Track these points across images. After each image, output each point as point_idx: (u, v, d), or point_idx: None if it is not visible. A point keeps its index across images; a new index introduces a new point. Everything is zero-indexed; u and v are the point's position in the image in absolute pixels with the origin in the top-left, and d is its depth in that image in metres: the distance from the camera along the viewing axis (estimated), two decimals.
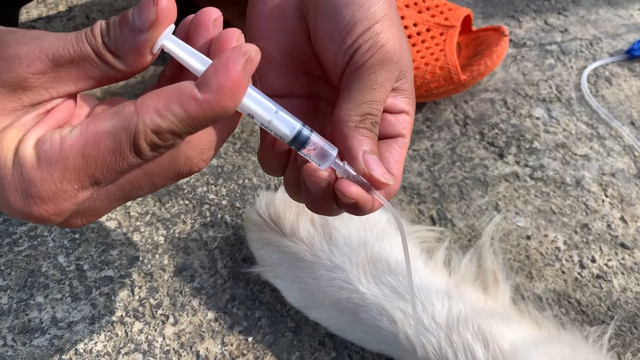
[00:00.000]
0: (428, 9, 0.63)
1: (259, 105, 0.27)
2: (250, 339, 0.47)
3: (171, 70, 0.30)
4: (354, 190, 0.29)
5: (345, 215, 0.47)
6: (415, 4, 0.63)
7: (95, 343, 0.46)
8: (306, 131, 0.28)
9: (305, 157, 0.29)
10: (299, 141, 0.28)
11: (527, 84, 0.67)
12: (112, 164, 0.25)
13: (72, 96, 0.27)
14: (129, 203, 0.54)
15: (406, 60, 0.32)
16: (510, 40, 0.71)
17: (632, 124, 0.63)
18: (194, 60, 0.26)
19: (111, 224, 0.53)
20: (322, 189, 0.30)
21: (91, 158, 0.24)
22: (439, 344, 0.41)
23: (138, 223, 0.53)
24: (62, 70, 0.25)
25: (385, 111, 0.33)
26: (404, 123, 0.34)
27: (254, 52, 0.24)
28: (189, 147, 0.27)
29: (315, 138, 0.29)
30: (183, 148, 0.27)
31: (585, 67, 0.68)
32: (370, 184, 0.30)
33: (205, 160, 0.29)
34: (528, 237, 0.53)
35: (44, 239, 0.52)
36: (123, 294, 0.49)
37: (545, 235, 0.54)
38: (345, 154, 0.30)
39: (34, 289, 0.49)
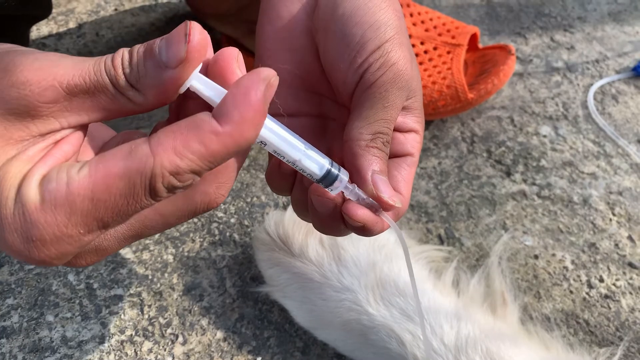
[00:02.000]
0: (435, 27, 0.64)
1: (287, 144, 0.26)
2: (259, 359, 0.47)
3: (177, 102, 0.28)
4: (361, 213, 0.29)
5: (354, 235, 0.47)
6: (423, 22, 0.64)
7: None
8: (334, 169, 0.28)
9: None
10: (328, 180, 0.28)
11: (533, 102, 0.67)
12: (124, 208, 0.23)
13: (83, 127, 0.26)
14: None
15: (416, 78, 0.32)
16: (517, 57, 0.72)
17: (639, 141, 0.63)
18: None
19: None
20: (329, 210, 0.30)
21: (100, 202, 0.23)
22: None
23: (147, 241, 0.53)
24: (76, 100, 0.24)
25: (394, 130, 0.33)
26: (412, 142, 0.34)
27: (273, 77, 0.23)
28: (205, 183, 0.26)
29: (343, 176, 0.28)
30: (199, 185, 0.26)
31: (592, 85, 0.68)
32: (379, 205, 0.30)
33: (223, 194, 0.27)
34: (536, 257, 0.54)
35: None
36: (132, 312, 0.49)
37: (553, 255, 0.54)
38: (354, 174, 0.30)
39: (44, 308, 0.49)
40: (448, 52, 0.62)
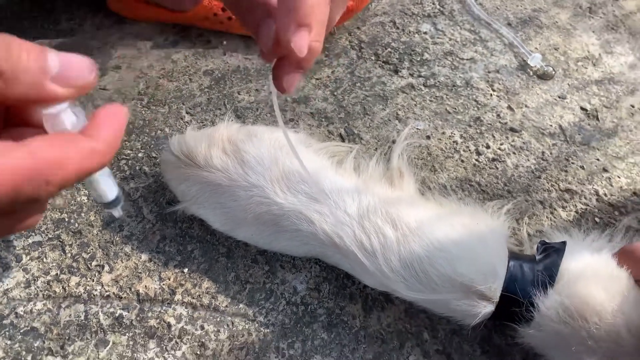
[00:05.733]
0: None
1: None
2: (185, 270, 0.49)
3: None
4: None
5: (255, 139, 0.50)
6: None
7: (35, 304, 0.47)
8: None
9: None
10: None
11: (412, 4, 0.71)
12: None
13: None
14: None
15: None
16: None
17: (509, 24, 0.69)
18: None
19: None
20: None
21: None
22: (354, 233, 0.45)
23: None
24: None
25: None
26: None
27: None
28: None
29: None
30: None
31: None
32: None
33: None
34: (428, 137, 0.58)
35: None
36: (54, 255, 0.50)
37: (443, 133, 0.59)
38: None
39: None
40: None
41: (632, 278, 0.42)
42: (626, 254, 0.44)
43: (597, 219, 0.53)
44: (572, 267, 0.43)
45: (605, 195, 0.55)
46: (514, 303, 0.42)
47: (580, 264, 0.43)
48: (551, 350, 0.42)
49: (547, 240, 0.46)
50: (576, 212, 0.54)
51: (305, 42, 0.34)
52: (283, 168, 0.48)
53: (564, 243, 0.44)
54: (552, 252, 0.44)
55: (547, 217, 0.53)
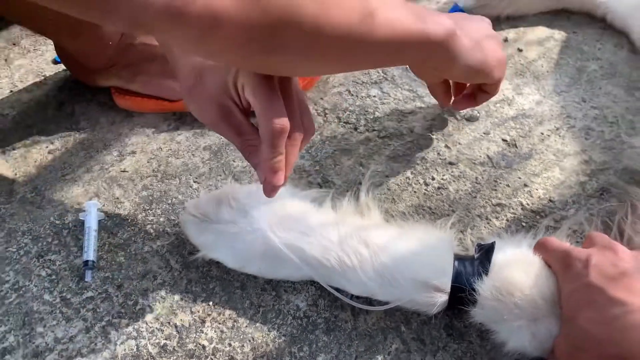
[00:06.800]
0: None
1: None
2: (210, 303, 0.63)
3: None
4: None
5: (253, 195, 0.65)
6: None
7: (95, 344, 0.60)
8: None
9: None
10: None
11: (361, 74, 0.89)
12: None
13: None
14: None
15: None
16: None
17: None
18: None
19: (78, 261, 0.67)
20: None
21: None
22: (337, 255, 0.59)
23: (100, 253, 0.67)
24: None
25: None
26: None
27: None
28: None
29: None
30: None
31: None
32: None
33: None
34: (386, 176, 0.74)
35: (28, 287, 0.65)
36: (105, 305, 0.63)
37: (398, 172, 0.75)
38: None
39: (33, 324, 0.62)
40: None
41: (543, 262, 0.57)
42: (539, 246, 0.59)
43: (523, 224, 0.69)
44: (500, 259, 0.58)
45: (528, 204, 0.71)
46: (461, 290, 0.56)
47: (506, 256, 0.58)
48: (493, 323, 0.56)
49: (481, 242, 0.61)
50: (507, 220, 0.69)
51: (280, 180, 0.53)
52: (278, 214, 0.62)
53: (493, 243, 0.60)
54: (486, 250, 0.59)
55: (484, 227, 0.69)
